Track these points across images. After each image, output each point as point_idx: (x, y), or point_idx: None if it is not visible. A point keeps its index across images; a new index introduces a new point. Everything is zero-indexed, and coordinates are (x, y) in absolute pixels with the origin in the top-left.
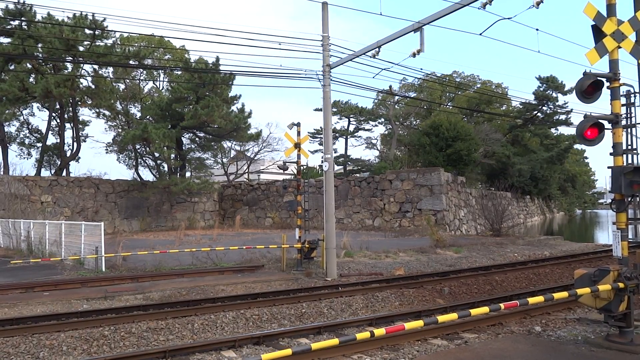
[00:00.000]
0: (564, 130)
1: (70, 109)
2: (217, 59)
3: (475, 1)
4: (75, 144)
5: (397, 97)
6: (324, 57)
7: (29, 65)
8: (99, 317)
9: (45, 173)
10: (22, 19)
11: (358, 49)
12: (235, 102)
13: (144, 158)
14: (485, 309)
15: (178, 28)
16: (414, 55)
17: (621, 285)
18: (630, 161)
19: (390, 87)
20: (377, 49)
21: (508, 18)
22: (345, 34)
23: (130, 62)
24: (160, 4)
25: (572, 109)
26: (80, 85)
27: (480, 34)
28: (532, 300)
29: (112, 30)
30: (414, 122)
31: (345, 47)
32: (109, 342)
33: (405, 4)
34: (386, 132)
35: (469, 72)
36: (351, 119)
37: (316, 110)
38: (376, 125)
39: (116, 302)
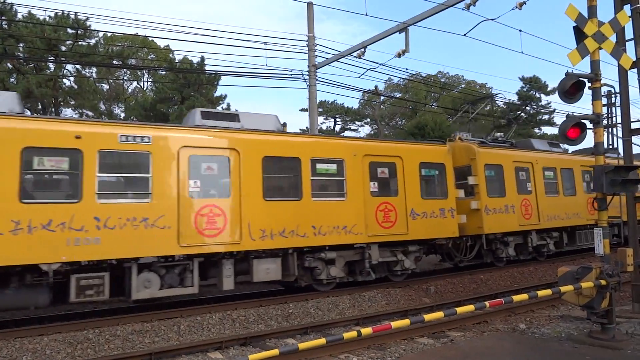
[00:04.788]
0: (547, 130)
1: (53, 109)
2: (202, 58)
3: (459, 2)
4: None
5: (382, 98)
6: (310, 57)
7: (9, 65)
8: (83, 319)
9: None
10: (2, 17)
11: (345, 50)
12: (220, 102)
13: None
14: (470, 307)
15: (162, 28)
16: (399, 55)
17: (603, 282)
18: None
19: (375, 87)
20: (362, 50)
21: (492, 19)
22: (335, 36)
23: (114, 62)
24: (145, 3)
25: (555, 109)
26: (63, 86)
27: (465, 35)
28: (516, 298)
29: (95, 30)
30: (400, 122)
31: (333, 48)
32: (93, 345)
33: (390, 5)
34: (372, 132)
35: (453, 72)
36: (337, 119)
37: (302, 110)
38: (362, 126)
39: (100, 304)
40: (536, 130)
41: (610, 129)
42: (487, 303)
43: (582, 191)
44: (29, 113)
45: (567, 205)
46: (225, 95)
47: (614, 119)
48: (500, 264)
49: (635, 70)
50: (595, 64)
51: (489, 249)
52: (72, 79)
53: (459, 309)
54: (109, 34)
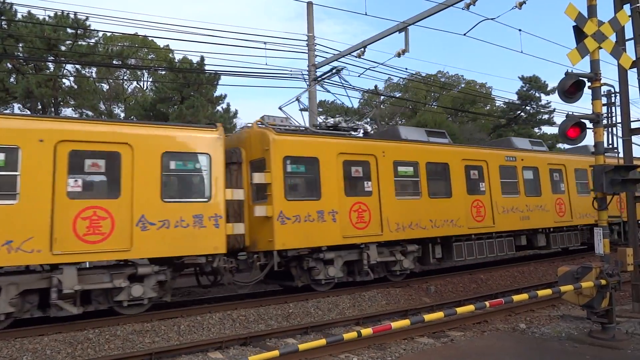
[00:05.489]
0: (547, 129)
1: (53, 109)
2: (202, 58)
3: (459, 2)
4: None
5: (382, 97)
6: (310, 56)
7: (9, 65)
8: (83, 320)
9: None
10: (2, 17)
11: (344, 49)
12: (220, 102)
13: None
14: (470, 307)
15: (162, 28)
16: (399, 55)
17: (603, 282)
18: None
19: (375, 86)
20: (362, 49)
21: (491, 19)
22: (336, 36)
23: (114, 61)
24: (145, 3)
25: (554, 109)
26: (63, 86)
27: (465, 34)
28: (516, 298)
29: (94, 30)
30: (400, 122)
31: (333, 48)
32: (93, 345)
33: (390, 4)
34: (372, 132)
35: (453, 72)
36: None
37: (302, 110)
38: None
39: (100, 305)
40: (536, 129)
41: (610, 129)
42: (487, 303)
43: (463, 192)
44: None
45: (437, 210)
46: (225, 95)
47: (613, 118)
48: (321, 288)
49: (635, 69)
50: (595, 64)
51: (299, 268)
52: (71, 78)
53: (459, 309)
54: (108, 34)
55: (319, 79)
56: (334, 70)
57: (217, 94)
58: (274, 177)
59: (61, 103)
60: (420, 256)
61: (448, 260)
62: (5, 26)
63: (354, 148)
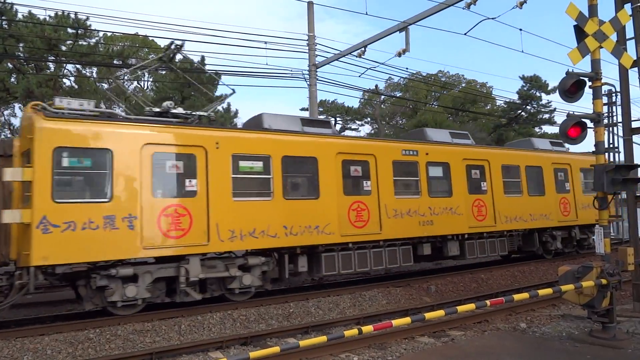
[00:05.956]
0: (548, 129)
1: None
2: (203, 58)
3: (459, 1)
4: None
5: (383, 97)
6: (310, 56)
7: (9, 65)
8: (84, 319)
9: None
10: (3, 17)
11: (345, 49)
12: (221, 102)
13: None
14: (471, 306)
15: (163, 28)
16: (399, 54)
17: (604, 281)
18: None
19: (376, 86)
20: (362, 49)
21: (492, 18)
22: (337, 36)
23: (114, 61)
24: (145, 3)
25: (555, 108)
26: (63, 85)
27: (465, 34)
28: (517, 297)
29: (95, 30)
30: (400, 122)
31: (333, 47)
32: (94, 345)
33: (390, 4)
34: (372, 132)
35: (454, 71)
36: (337, 119)
37: (302, 109)
38: (362, 125)
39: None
40: (537, 129)
41: (610, 128)
42: (488, 302)
43: (337, 193)
44: None
45: (296, 214)
46: (226, 95)
47: (614, 117)
48: (121, 312)
49: (635, 69)
50: (595, 63)
51: (89, 287)
52: (72, 78)
53: (460, 308)
54: (109, 34)
55: (162, 57)
56: (172, 46)
57: (217, 93)
58: (36, 174)
59: None
60: (271, 270)
61: (316, 274)
62: (6, 26)
63: (169, 138)
